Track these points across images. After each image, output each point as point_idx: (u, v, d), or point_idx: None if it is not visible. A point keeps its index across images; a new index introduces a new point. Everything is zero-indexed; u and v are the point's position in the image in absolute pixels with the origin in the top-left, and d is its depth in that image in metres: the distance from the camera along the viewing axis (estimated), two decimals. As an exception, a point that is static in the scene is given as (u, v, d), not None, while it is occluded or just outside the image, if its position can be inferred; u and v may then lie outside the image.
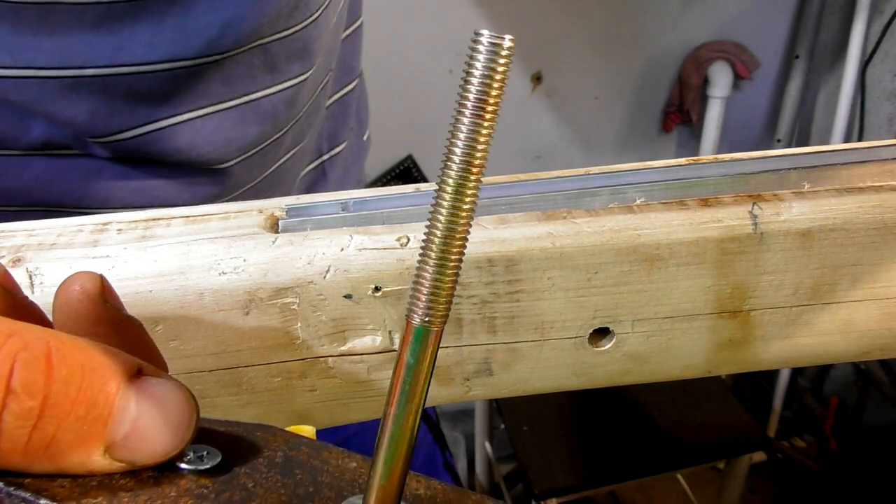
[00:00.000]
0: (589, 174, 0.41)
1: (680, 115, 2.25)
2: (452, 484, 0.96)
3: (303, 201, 0.41)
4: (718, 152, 1.90)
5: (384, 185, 2.05)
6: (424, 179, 2.14)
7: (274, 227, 0.39)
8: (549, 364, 0.40)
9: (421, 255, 0.24)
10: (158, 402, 0.25)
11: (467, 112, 0.23)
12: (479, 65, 0.22)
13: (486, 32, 0.22)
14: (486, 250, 0.37)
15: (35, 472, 0.24)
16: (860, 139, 2.12)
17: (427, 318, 0.25)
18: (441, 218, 0.24)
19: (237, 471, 0.26)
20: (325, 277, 0.37)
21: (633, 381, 0.42)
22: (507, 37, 0.22)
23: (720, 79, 2.15)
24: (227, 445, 0.27)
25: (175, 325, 0.37)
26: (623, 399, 1.80)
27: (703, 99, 2.19)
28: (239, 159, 0.62)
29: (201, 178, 0.61)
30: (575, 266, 0.38)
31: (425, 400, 0.25)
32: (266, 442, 0.28)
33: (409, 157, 2.11)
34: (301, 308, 0.37)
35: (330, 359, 0.39)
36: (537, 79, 2.12)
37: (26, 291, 0.36)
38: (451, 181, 0.23)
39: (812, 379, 2.37)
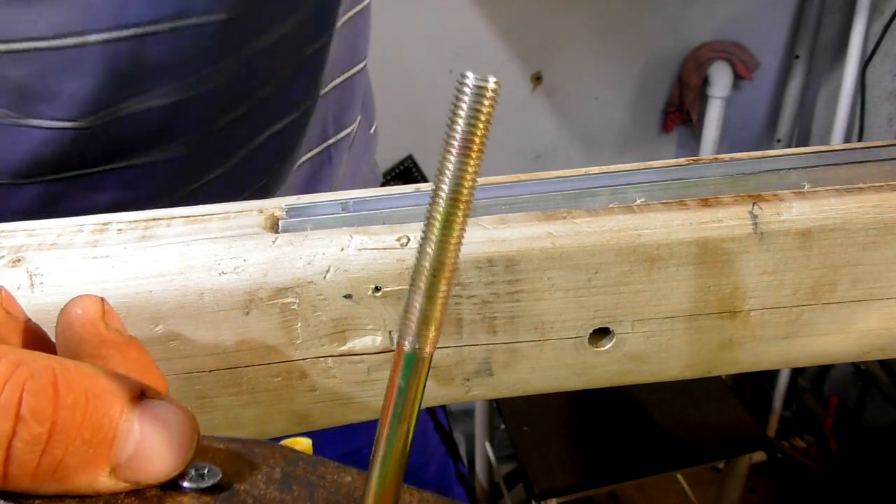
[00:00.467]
0: (589, 174, 0.41)
1: (680, 115, 2.25)
2: (464, 496, 0.95)
3: (303, 201, 0.41)
4: (718, 152, 1.90)
5: (384, 185, 2.05)
6: (424, 179, 2.14)
7: (274, 227, 0.39)
8: (549, 364, 0.40)
9: (411, 284, 0.25)
10: (161, 423, 0.26)
11: (454, 151, 0.24)
12: (464, 106, 0.23)
13: (470, 75, 0.23)
14: (486, 250, 0.37)
15: (44, 493, 0.24)
16: (860, 139, 2.12)
17: (417, 346, 0.25)
18: (430, 250, 0.24)
19: (237, 488, 0.27)
20: (325, 277, 0.37)
21: (633, 381, 0.42)
22: (492, 79, 0.23)
23: (720, 79, 2.15)
24: (226, 462, 0.27)
25: (175, 325, 0.37)
26: (623, 399, 1.80)
27: (703, 99, 2.19)
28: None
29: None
30: (575, 266, 0.38)
31: (416, 421, 0.26)
32: (264, 458, 0.29)
33: (409, 157, 2.11)
34: (301, 308, 0.37)
35: (330, 359, 0.39)
36: (537, 79, 2.12)
37: (26, 291, 0.36)
38: (439, 216, 0.24)
39: (812, 379, 2.37)
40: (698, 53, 2.15)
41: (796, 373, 2.32)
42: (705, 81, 2.17)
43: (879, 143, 0.42)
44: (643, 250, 0.38)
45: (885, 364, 2.03)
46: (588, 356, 0.40)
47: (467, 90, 0.23)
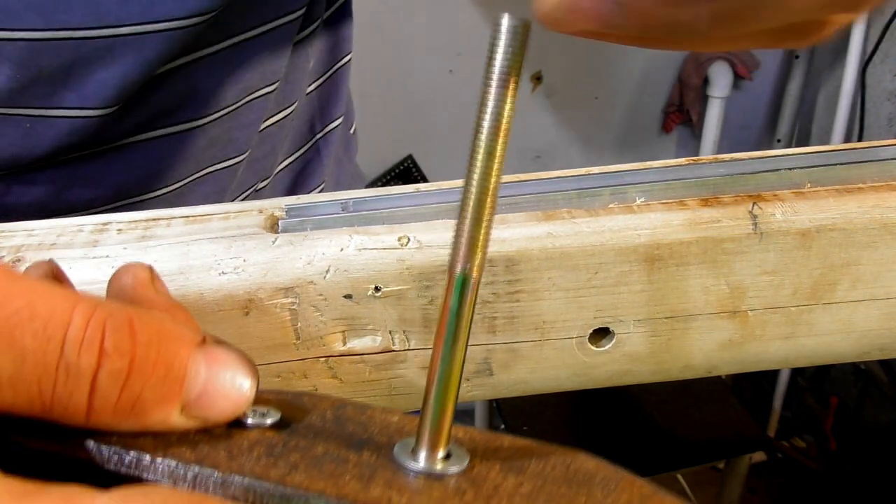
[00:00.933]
0: (589, 174, 0.41)
1: (680, 115, 2.25)
2: None
3: (303, 201, 0.41)
4: (718, 152, 1.90)
5: (384, 185, 2.05)
6: (424, 179, 2.13)
7: (274, 227, 0.39)
8: (549, 364, 0.40)
9: (459, 212, 0.27)
10: (223, 365, 0.27)
11: (493, 85, 0.27)
12: (501, 44, 0.26)
13: (506, 17, 0.26)
14: (486, 250, 0.37)
15: (121, 430, 0.26)
16: (860, 139, 2.12)
17: (467, 267, 0.27)
18: (474, 178, 0.27)
19: (296, 426, 0.29)
20: (325, 277, 0.37)
21: (633, 381, 0.42)
22: (524, 19, 0.27)
23: (720, 79, 2.15)
24: (281, 407, 0.29)
25: (175, 325, 0.37)
26: (623, 399, 1.80)
27: (703, 99, 2.19)
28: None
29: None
30: (575, 266, 0.38)
31: (468, 343, 0.28)
32: (314, 405, 0.31)
33: (409, 157, 2.11)
34: (301, 308, 0.37)
35: (330, 359, 0.39)
36: (537, 79, 2.12)
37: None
38: (482, 145, 0.27)
39: (812, 379, 2.37)
40: (698, 53, 2.15)
41: (796, 373, 2.32)
42: (705, 81, 2.17)
43: (879, 143, 0.42)
44: (643, 250, 0.38)
45: (885, 364, 2.03)
46: (588, 356, 0.40)
47: (503, 31, 0.26)
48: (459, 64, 1.98)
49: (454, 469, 0.28)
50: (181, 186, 0.63)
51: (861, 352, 0.42)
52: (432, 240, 0.38)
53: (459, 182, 0.38)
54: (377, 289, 0.37)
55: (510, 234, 0.38)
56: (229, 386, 0.27)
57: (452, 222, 0.29)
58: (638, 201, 0.39)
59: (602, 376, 0.41)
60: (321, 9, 0.68)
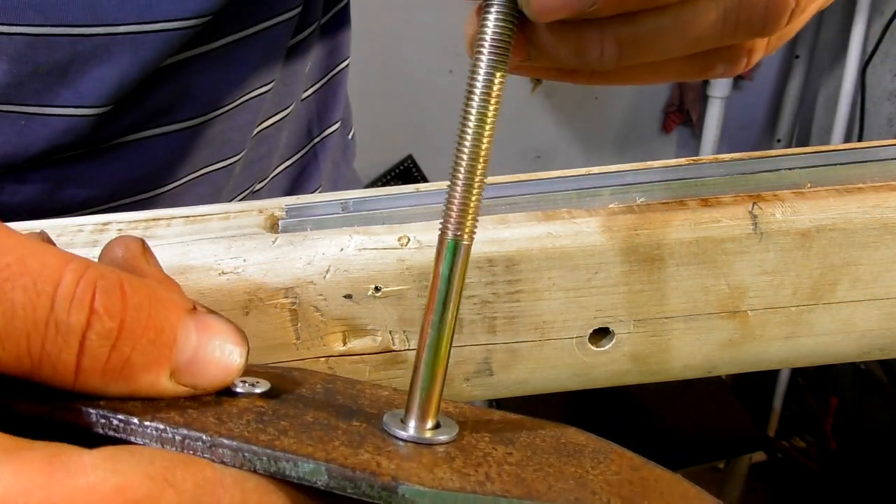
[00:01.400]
0: (589, 174, 0.41)
1: (680, 115, 2.25)
2: None
3: (303, 201, 0.41)
4: (718, 152, 1.90)
5: (384, 185, 2.05)
6: (424, 179, 2.13)
7: (274, 227, 0.39)
8: (549, 364, 0.40)
9: (451, 177, 0.28)
10: (214, 332, 0.27)
11: (485, 50, 0.27)
12: (493, 10, 0.27)
13: None
14: (486, 250, 0.37)
15: (110, 393, 0.26)
16: (860, 139, 2.12)
17: (458, 233, 0.28)
18: (466, 144, 0.27)
19: (286, 396, 0.29)
20: (325, 277, 0.37)
21: (633, 381, 0.42)
22: None
23: (720, 79, 2.14)
24: (271, 379, 0.29)
25: (175, 325, 0.37)
26: (623, 399, 1.80)
27: (703, 99, 2.19)
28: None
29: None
30: (575, 266, 0.38)
31: (458, 310, 0.28)
32: (304, 378, 0.31)
33: (409, 157, 2.11)
34: (301, 308, 0.37)
35: (330, 359, 0.39)
36: (537, 79, 2.12)
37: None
38: (473, 111, 0.27)
39: (812, 379, 2.37)
40: (698, 53, 2.14)
41: (796, 373, 2.32)
42: (705, 81, 2.17)
43: (879, 143, 0.42)
44: (643, 250, 0.38)
45: (885, 364, 2.03)
46: (588, 356, 0.40)
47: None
48: (459, 64, 1.98)
49: (443, 437, 0.28)
50: (177, 187, 0.63)
51: (861, 352, 0.42)
52: (432, 240, 0.38)
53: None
54: (377, 289, 0.37)
55: (510, 234, 0.38)
56: (220, 353, 0.27)
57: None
58: (638, 201, 0.39)
59: (602, 376, 0.41)
60: (318, 13, 0.69)
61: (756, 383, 2.39)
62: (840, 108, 2.05)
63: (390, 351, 0.39)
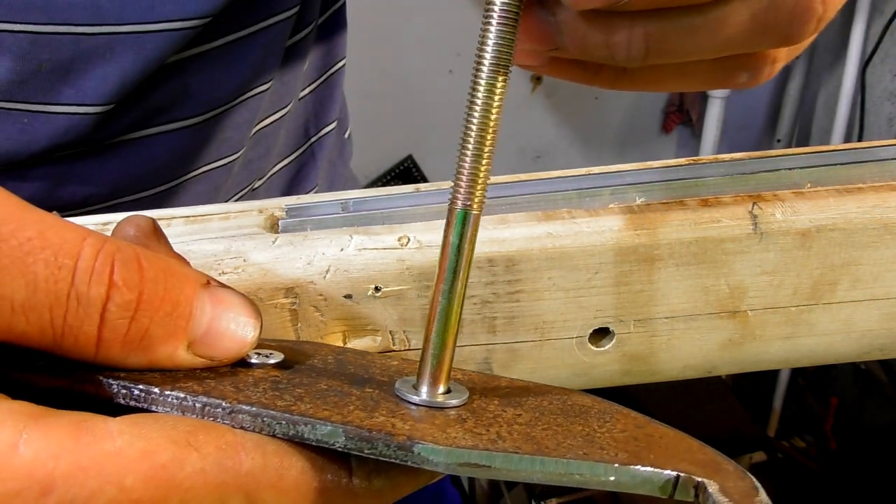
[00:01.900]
0: (589, 174, 0.41)
1: (680, 115, 2.25)
2: (459, 500, 0.96)
3: (303, 201, 0.41)
4: (718, 152, 1.90)
5: (384, 185, 2.05)
6: (424, 179, 2.13)
7: (274, 227, 0.39)
8: (549, 364, 0.40)
9: (459, 150, 0.28)
10: (228, 305, 0.28)
11: (494, 18, 0.27)
12: None
13: None
14: (486, 250, 0.37)
15: (129, 365, 0.27)
16: (860, 139, 2.12)
17: (468, 203, 0.28)
18: (475, 116, 0.28)
19: (299, 366, 0.30)
20: (325, 277, 0.37)
21: (633, 381, 0.42)
22: None
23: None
24: (283, 351, 0.30)
25: (175, 325, 0.37)
26: (623, 399, 1.80)
27: (703, 99, 2.19)
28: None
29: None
30: (575, 266, 0.38)
31: (468, 279, 0.29)
32: (315, 350, 0.32)
33: (409, 157, 2.11)
34: (301, 308, 0.37)
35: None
36: (537, 79, 2.12)
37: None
38: (483, 80, 0.27)
39: (812, 379, 2.37)
40: (698, 53, 2.14)
41: (796, 373, 2.32)
42: (705, 81, 2.16)
43: (879, 143, 0.42)
44: (643, 250, 0.38)
45: (885, 364, 2.03)
46: (588, 356, 0.40)
47: None
48: (459, 64, 1.98)
49: (454, 401, 0.29)
50: (177, 185, 0.63)
51: (861, 352, 0.42)
52: (432, 240, 0.38)
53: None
54: (377, 289, 0.37)
55: (510, 234, 0.38)
56: (234, 326, 0.28)
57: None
58: (638, 201, 0.39)
59: (602, 376, 0.41)
60: (315, 13, 0.69)
61: (756, 383, 2.39)
62: (840, 108, 2.05)
63: (390, 351, 0.39)
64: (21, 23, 0.50)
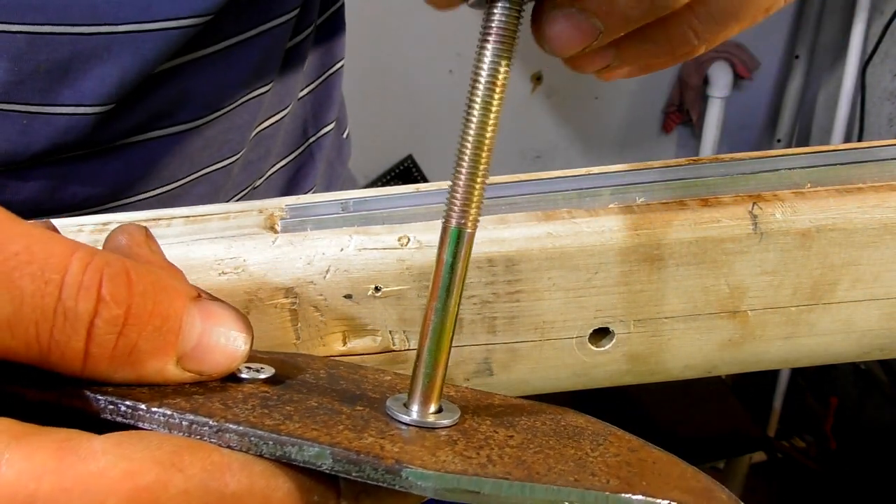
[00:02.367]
0: (589, 174, 0.41)
1: (680, 115, 2.25)
2: None
3: (303, 201, 0.41)
4: (718, 152, 1.90)
5: (384, 185, 2.05)
6: (424, 179, 2.13)
7: (274, 227, 0.39)
8: (549, 364, 0.40)
9: (454, 167, 0.28)
10: (219, 319, 0.28)
11: (490, 39, 0.27)
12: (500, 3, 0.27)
13: None
14: (486, 250, 0.37)
15: (117, 380, 0.26)
16: (860, 139, 2.12)
17: (462, 221, 0.28)
18: (471, 132, 0.27)
19: (290, 382, 0.29)
20: (325, 277, 0.37)
21: (633, 381, 0.42)
22: None
23: (720, 79, 2.14)
24: (275, 365, 0.30)
25: (175, 325, 0.37)
26: (623, 399, 1.80)
27: (703, 99, 2.19)
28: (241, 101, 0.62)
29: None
30: (575, 266, 0.38)
31: (461, 298, 0.29)
32: (307, 364, 0.32)
33: (409, 157, 2.11)
34: (301, 308, 0.37)
35: (330, 359, 0.39)
36: (537, 79, 2.12)
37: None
38: (478, 100, 0.27)
39: (812, 379, 2.37)
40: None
41: (796, 373, 2.32)
42: (705, 81, 2.17)
43: (879, 143, 0.42)
44: (643, 250, 0.38)
45: (885, 364, 2.03)
46: (588, 356, 0.40)
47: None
48: (459, 64, 1.98)
49: (446, 421, 0.28)
50: (177, 188, 0.63)
51: (861, 352, 0.42)
52: (432, 240, 0.38)
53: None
54: (377, 289, 0.37)
55: (510, 234, 0.38)
56: (224, 340, 0.27)
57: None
58: (638, 201, 0.39)
59: (602, 376, 0.41)
60: (314, 14, 0.69)
61: (756, 383, 2.39)
62: (840, 108, 2.05)
63: (390, 351, 0.39)
64: (18, 23, 0.50)
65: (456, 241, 0.28)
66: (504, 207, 0.39)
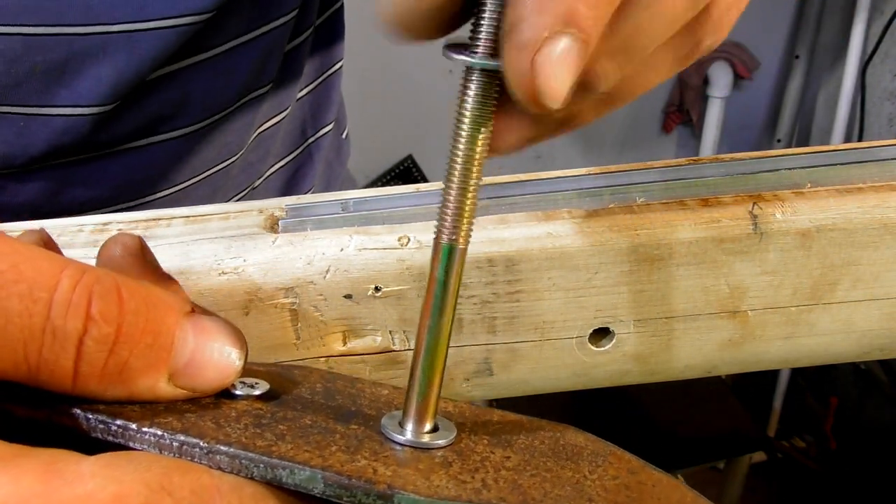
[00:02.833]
0: (589, 174, 0.41)
1: (680, 115, 2.25)
2: None
3: (303, 201, 0.41)
4: (718, 152, 1.90)
5: (384, 185, 2.05)
6: (424, 179, 2.13)
7: (274, 227, 0.39)
8: (549, 364, 0.40)
9: (445, 182, 0.27)
10: (212, 334, 0.27)
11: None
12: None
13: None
14: (486, 250, 0.37)
15: (108, 398, 0.26)
16: (860, 139, 2.12)
17: (453, 237, 0.27)
18: (460, 147, 0.27)
19: (285, 398, 0.29)
20: (325, 277, 0.37)
21: (633, 381, 0.42)
22: None
23: (720, 79, 2.14)
24: (270, 380, 0.29)
25: (175, 325, 0.37)
26: (623, 399, 1.80)
27: (703, 99, 2.19)
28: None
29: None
30: (575, 266, 0.38)
31: (454, 315, 0.28)
32: (304, 377, 0.31)
33: (409, 157, 2.11)
34: (301, 308, 0.37)
35: (330, 359, 0.39)
36: (537, 79, 2.11)
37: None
38: (466, 114, 0.27)
39: (812, 379, 2.37)
40: (698, 53, 2.14)
41: (796, 373, 2.32)
42: (705, 81, 2.17)
43: (879, 143, 0.42)
44: (643, 250, 0.38)
45: (885, 364, 2.03)
46: (588, 356, 0.40)
47: None
48: (459, 64, 1.98)
49: (441, 441, 0.28)
50: (177, 191, 0.63)
51: (861, 352, 0.42)
52: (432, 239, 0.38)
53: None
54: (377, 289, 0.37)
55: (510, 234, 0.38)
56: (217, 356, 0.27)
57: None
58: (638, 201, 0.39)
59: (602, 376, 0.41)
60: (313, 16, 0.69)
61: (756, 383, 2.39)
62: (840, 108, 2.05)
63: (390, 351, 0.39)
64: (12, 25, 0.50)
65: (448, 257, 0.28)
66: (504, 207, 0.39)
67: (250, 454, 0.25)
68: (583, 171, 0.42)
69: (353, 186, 0.93)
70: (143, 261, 0.32)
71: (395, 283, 0.37)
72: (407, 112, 2.03)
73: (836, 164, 0.41)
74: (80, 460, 0.23)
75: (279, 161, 0.74)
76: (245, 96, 0.63)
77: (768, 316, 0.40)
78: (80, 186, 0.59)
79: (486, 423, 0.30)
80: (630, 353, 0.40)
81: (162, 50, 0.54)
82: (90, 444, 0.25)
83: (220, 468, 0.25)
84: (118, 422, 0.26)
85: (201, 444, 0.25)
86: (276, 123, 0.69)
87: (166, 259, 0.37)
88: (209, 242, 0.38)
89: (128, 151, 0.59)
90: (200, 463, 0.25)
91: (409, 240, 0.37)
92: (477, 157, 0.27)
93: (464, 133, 0.27)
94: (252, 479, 0.25)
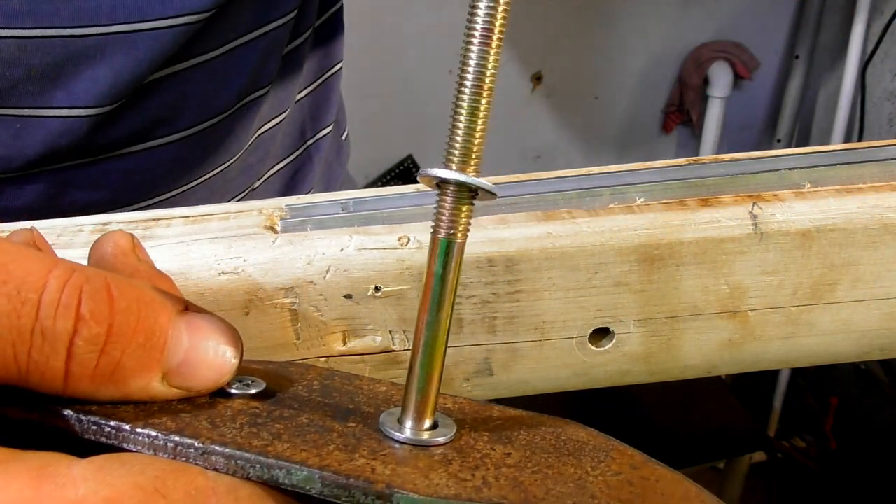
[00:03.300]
0: (589, 174, 0.41)
1: (680, 115, 2.25)
2: None
3: (303, 201, 0.41)
4: (718, 152, 1.90)
5: (384, 185, 2.05)
6: (424, 179, 2.13)
7: (274, 227, 0.39)
8: (549, 364, 0.40)
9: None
10: (206, 333, 0.27)
11: (476, 34, 0.25)
12: None
13: None
14: (486, 250, 0.37)
15: (101, 398, 0.25)
16: (860, 139, 2.12)
17: (451, 231, 0.27)
18: (457, 140, 0.26)
19: (281, 396, 0.29)
20: (325, 277, 0.37)
21: (633, 381, 0.42)
22: None
23: (720, 79, 2.14)
24: (266, 378, 0.29)
25: (175, 325, 0.37)
26: (623, 399, 1.80)
27: (703, 99, 2.19)
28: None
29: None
30: (575, 266, 0.38)
31: (453, 310, 0.28)
32: (301, 374, 0.31)
33: (409, 157, 2.11)
34: (301, 308, 0.37)
35: (330, 359, 0.39)
36: (537, 79, 2.12)
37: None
38: (464, 107, 0.26)
39: (812, 379, 2.37)
40: (698, 53, 2.15)
41: (796, 373, 2.32)
42: (705, 81, 2.16)
43: (879, 143, 0.42)
44: (643, 250, 0.38)
45: (885, 364, 2.03)
46: (588, 356, 0.40)
47: None
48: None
49: (440, 439, 0.27)
50: (177, 194, 0.63)
51: (861, 352, 0.42)
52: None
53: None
54: (377, 289, 0.37)
55: (510, 234, 0.38)
56: (212, 355, 0.27)
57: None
58: (638, 201, 0.39)
59: (602, 376, 0.41)
60: (312, 17, 0.69)
61: (756, 383, 2.39)
62: (840, 108, 2.05)
63: (390, 351, 0.39)
64: (7, 28, 0.50)
65: (445, 252, 0.27)
66: (504, 207, 0.39)
67: (246, 454, 0.25)
68: (583, 171, 0.42)
69: (353, 187, 0.93)
70: (135, 259, 0.31)
71: (395, 283, 0.37)
72: (407, 112, 2.03)
73: (836, 164, 0.41)
74: (71, 464, 0.23)
75: (278, 163, 0.74)
76: (244, 98, 0.63)
77: (768, 316, 0.40)
78: (79, 190, 0.59)
79: (487, 420, 0.29)
80: (630, 353, 0.40)
81: (160, 51, 0.54)
82: (85, 446, 0.25)
83: (215, 469, 0.25)
84: (111, 423, 0.25)
85: (196, 444, 0.25)
86: (275, 125, 0.69)
87: (166, 259, 0.37)
88: (209, 242, 0.38)
89: (127, 154, 0.59)
90: (196, 464, 0.25)
91: (409, 240, 0.37)
92: (475, 150, 0.27)
93: (462, 121, 0.27)
94: (248, 479, 0.25)
